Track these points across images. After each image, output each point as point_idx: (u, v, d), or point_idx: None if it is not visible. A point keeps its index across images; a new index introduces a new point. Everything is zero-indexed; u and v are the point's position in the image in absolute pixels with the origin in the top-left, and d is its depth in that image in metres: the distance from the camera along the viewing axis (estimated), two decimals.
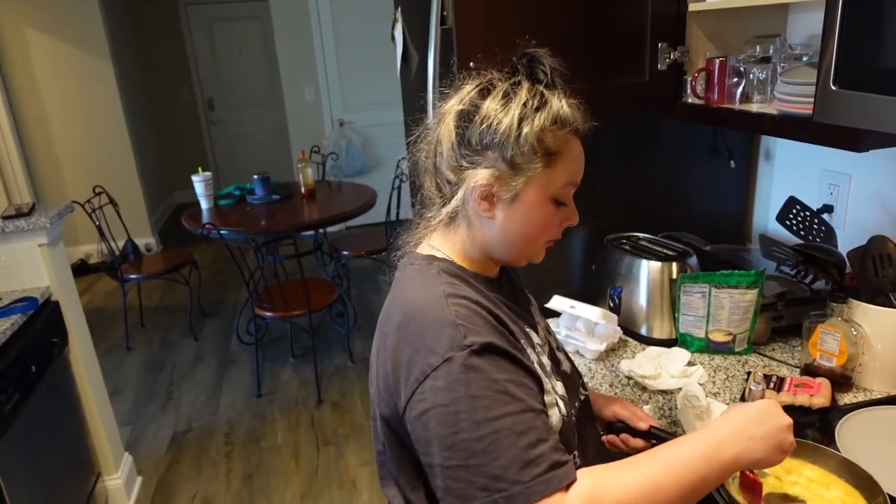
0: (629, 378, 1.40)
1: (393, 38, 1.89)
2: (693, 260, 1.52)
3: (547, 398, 0.84)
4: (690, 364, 1.42)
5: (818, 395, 1.19)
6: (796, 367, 1.39)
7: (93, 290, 4.85)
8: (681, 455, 0.77)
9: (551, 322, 1.27)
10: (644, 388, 1.36)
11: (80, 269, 5.01)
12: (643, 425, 1.04)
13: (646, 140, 1.73)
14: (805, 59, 1.33)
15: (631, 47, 1.49)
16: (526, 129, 0.81)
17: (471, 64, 1.27)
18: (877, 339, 1.23)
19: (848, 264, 1.32)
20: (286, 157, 5.74)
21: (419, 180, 0.92)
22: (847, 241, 1.37)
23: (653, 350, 1.49)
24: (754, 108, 1.40)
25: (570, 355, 1.07)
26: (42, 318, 2.05)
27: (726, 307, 1.41)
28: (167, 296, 4.66)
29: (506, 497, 0.70)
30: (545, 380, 0.87)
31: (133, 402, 3.31)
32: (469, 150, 0.84)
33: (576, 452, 0.90)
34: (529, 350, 0.88)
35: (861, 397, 1.26)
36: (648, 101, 1.56)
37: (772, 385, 1.24)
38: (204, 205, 3.59)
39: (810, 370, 1.30)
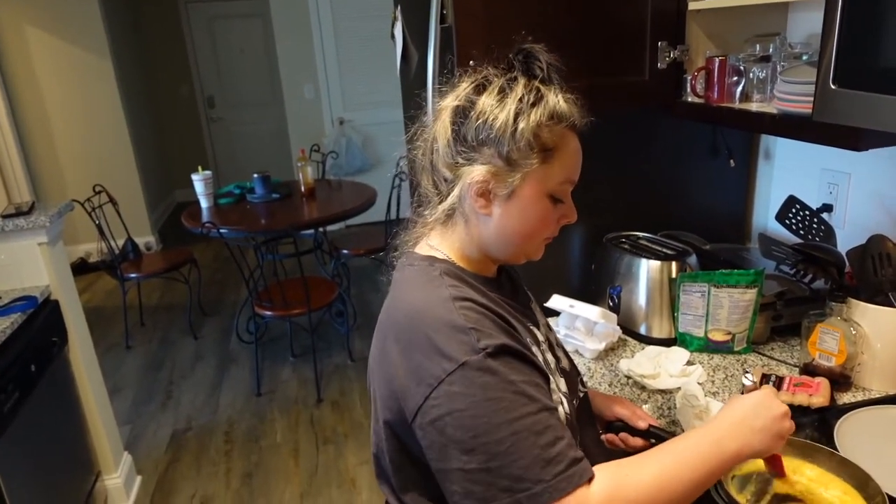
0: (628, 377, 1.40)
1: (393, 36, 1.89)
2: (692, 259, 1.52)
3: (553, 396, 0.84)
4: (689, 363, 1.42)
5: (817, 394, 1.19)
6: (795, 366, 1.39)
7: (92, 288, 4.85)
8: (690, 449, 0.78)
9: (550, 321, 1.27)
10: (643, 388, 1.36)
11: (80, 268, 5.01)
12: (642, 424, 1.05)
13: (645, 139, 1.73)
14: (805, 57, 1.33)
15: (631, 46, 1.49)
16: (522, 125, 0.80)
17: (469, 62, 1.27)
18: (876, 339, 1.23)
19: (847, 263, 1.32)
20: (286, 155, 5.73)
21: (416, 178, 0.92)
22: (846, 240, 1.37)
23: (652, 349, 1.49)
24: (754, 107, 1.40)
25: (570, 354, 1.07)
26: (42, 316, 2.05)
27: (725, 306, 1.41)
28: (167, 295, 4.66)
29: (529, 496, 0.71)
30: (550, 377, 0.87)
31: (132, 401, 3.32)
32: (465, 147, 0.83)
33: None
34: (535, 348, 0.88)
35: (860, 397, 1.26)
36: (648, 100, 1.56)
37: (771, 384, 1.24)
38: (204, 203, 3.59)
39: (809, 369, 1.30)
